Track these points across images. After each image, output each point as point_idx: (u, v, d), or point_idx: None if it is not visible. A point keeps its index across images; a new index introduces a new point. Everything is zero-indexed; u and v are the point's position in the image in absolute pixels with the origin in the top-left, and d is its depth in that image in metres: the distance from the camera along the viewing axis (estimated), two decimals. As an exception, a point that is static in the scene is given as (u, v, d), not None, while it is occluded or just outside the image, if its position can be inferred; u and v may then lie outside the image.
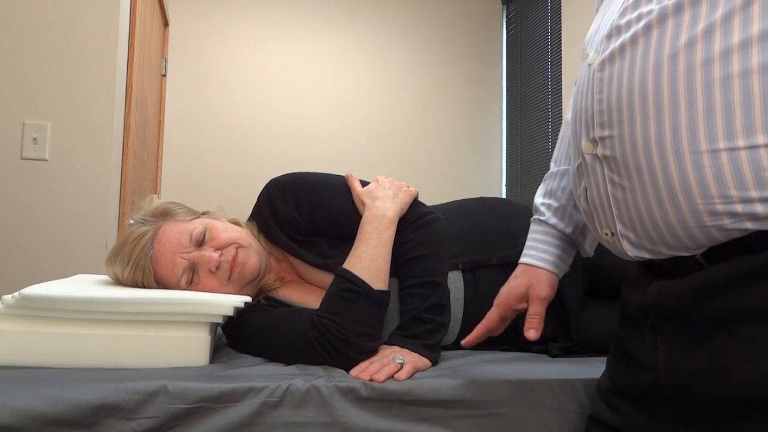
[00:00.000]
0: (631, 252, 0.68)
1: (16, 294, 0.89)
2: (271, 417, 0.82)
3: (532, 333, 0.87)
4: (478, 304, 1.18)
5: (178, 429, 0.79)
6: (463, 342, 0.93)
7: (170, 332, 0.94)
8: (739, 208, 0.56)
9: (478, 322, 1.17)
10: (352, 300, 0.99)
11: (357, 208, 1.13)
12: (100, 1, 1.85)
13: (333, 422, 0.84)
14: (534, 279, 0.90)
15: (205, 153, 3.30)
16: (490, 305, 1.18)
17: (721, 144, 0.56)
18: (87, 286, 1.03)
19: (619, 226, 0.67)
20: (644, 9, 0.63)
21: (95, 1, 1.85)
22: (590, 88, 0.69)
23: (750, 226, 0.56)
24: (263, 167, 3.23)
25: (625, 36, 0.65)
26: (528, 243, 0.94)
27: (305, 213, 1.14)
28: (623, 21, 0.66)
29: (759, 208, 0.56)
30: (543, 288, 0.89)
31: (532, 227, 0.96)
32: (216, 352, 1.08)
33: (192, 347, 0.95)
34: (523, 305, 0.90)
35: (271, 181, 1.18)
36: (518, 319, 1.19)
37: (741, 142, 0.56)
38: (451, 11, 3.74)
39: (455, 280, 1.16)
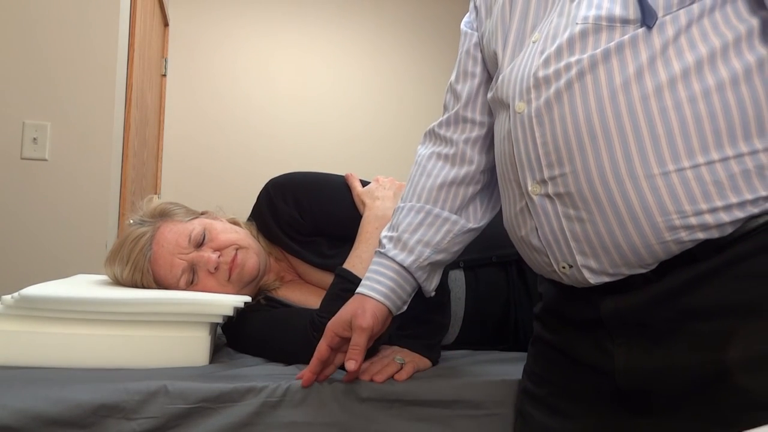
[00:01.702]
0: (592, 279, 0.71)
1: (15, 294, 0.89)
2: (271, 417, 0.82)
3: (350, 364, 0.83)
4: (479, 302, 1.18)
5: (178, 429, 0.79)
6: (302, 382, 0.85)
7: (170, 332, 0.94)
8: (693, 220, 0.64)
9: (479, 321, 1.18)
10: None
11: (357, 208, 1.13)
12: (100, 1, 1.85)
13: (333, 422, 0.84)
14: (359, 308, 0.86)
15: (205, 153, 3.30)
16: (491, 304, 1.19)
17: (670, 166, 0.64)
18: (87, 286, 1.03)
19: (578, 258, 0.71)
20: (571, 59, 0.69)
21: (95, 1, 1.85)
22: (527, 135, 0.73)
23: (701, 236, 0.64)
24: (263, 167, 3.23)
25: (558, 83, 0.70)
26: (366, 274, 0.91)
27: (305, 213, 1.14)
28: (550, 71, 0.71)
29: (709, 219, 0.63)
30: (366, 318, 0.84)
31: (373, 260, 0.93)
32: (216, 352, 1.08)
33: (192, 347, 0.95)
34: (349, 334, 0.86)
35: (271, 180, 1.18)
36: (519, 319, 1.20)
37: (686, 163, 0.64)
38: (451, 11, 3.74)
39: (456, 279, 1.16)
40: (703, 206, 0.63)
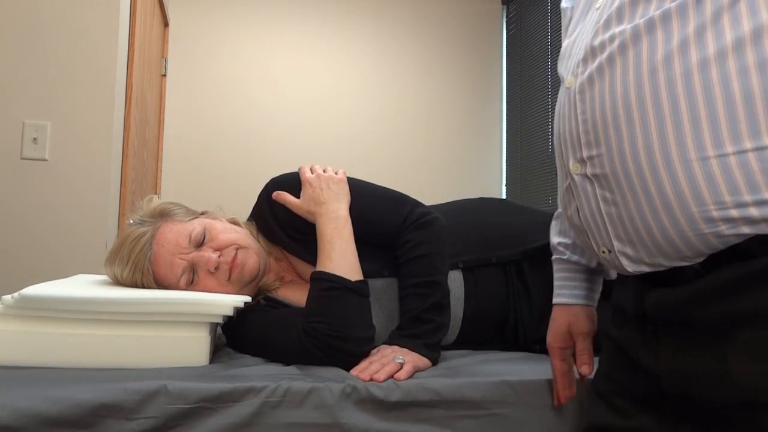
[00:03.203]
0: (630, 267, 0.68)
1: (15, 294, 0.89)
2: (271, 417, 0.82)
3: (585, 369, 0.89)
4: (478, 303, 1.18)
5: (178, 429, 0.79)
6: (562, 400, 0.90)
7: (170, 332, 0.94)
8: (734, 213, 0.57)
9: (479, 321, 1.18)
10: (334, 297, 0.99)
11: (355, 207, 1.12)
12: (100, 1, 1.85)
13: (333, 423, 0.83)
14: (572, 317, 0.91)
15: (205, 153, 3.30)
16: (490, 304, 1.19)
17: (710, 152, 0.57)
18: (87, 286, 1.03)
19: (616, 243, 0.68)
20: (616, 29, 0.64)
21: (95, 1, 1.85)
22: (572, 111, 0.70)
23: (747, 230, 0.57)
24: (263, 167, 3.23)
25: (602, 57, 0.66)
26: (556, 283, 0.95)
27: (305, 213, 1.14)
28: (597, 42, 0.67)
29: (754, 212, 0.56)
30: (583, 323, 0.91)
31: (556, 267, 0.96)
32: (216, 352, 1.08)
33: (192, 347, 0.95)
34: (570, 343, 0.92)
35: (271, 180, 1.18)
36: (519, 319, 1.20)
37: (729, 149, 0.56)
38: (451, 11, 3.74)
39: (455, 280, 1.16)
40: (747, 198, 0.56)
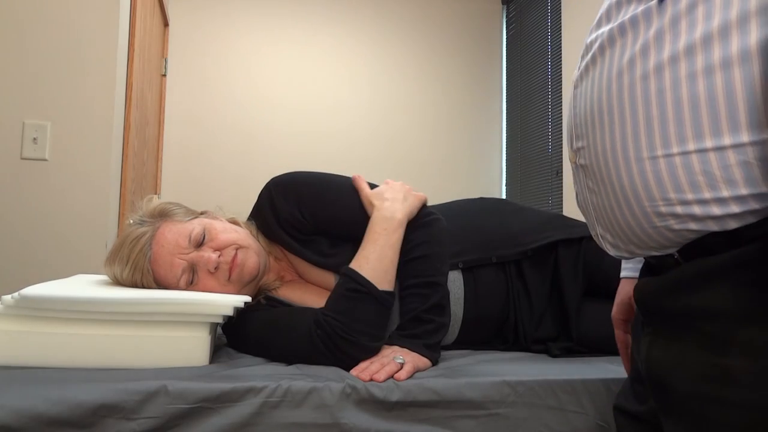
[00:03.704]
0: (611, 252, 0.73)
1: (15, 294, 0.89)
2: (271, 417, 0.82)
3: None
4: (478, 303, 1.18)
5: (178, 429, 0.79)
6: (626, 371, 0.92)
7: (170, 332, 0.94)
8: (679, 209, 0.60)
9: (479, 321, 1.18)
10: (357, 300, 0.99)
11: (358, 208, 1.12)
12: (100, 1, 1.85)
13: (333, 423, 0.84)
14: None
15: (205, 153, 3.30)
16: (491, 304, 1.19)
17: (659, 151, 0.61)
18: (87, 286, 1.03)
19: (599, 228, 0.73)
20: (601, 30, 0.68)
21: (95, 1, 1.85)
22: (571, 102, 0.75)
23: (694, 226, 0.60)
24: (263, 167, 3.23)
25: (588, 56, 0.70)
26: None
27: (306, 212, 1.14)
28: (589, 40, 0.71)
29: (696, 210, 0.59)
30: None
31: None
32: (216, 352, 1.08)
33: (192, 347, 0.95)
34: (632, 314, 0.92)
35: (273, 179, 1.17)
36: (519, 319, 1.20)
37: (675, 149, 0.60)
38: (451, 11, 3.74)
39: (455, 280, 1.16)
40: (690, 196, 0.59)
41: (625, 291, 0.95)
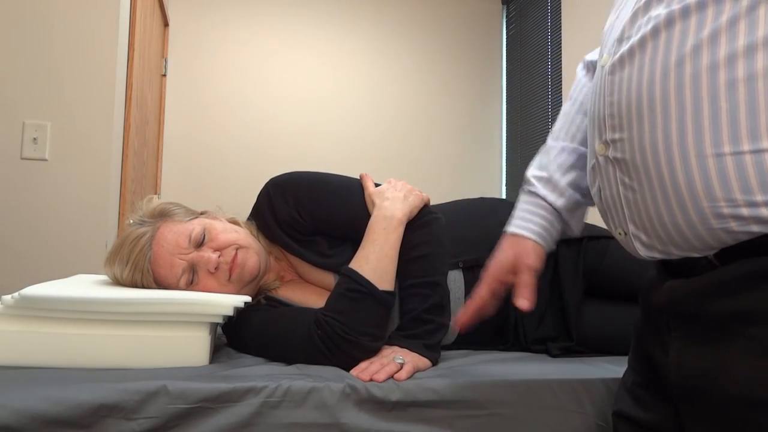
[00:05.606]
0: (642, 252, 0.68)
1: (15, 294, 0.89)
2: (271, 417, 0.82)
3: (524, 303, 0.81)
4: (478, 303, 1.18)
5: (178, 429, 0.79)
6: (457, 325, 0.87)
7: (170, 332, 0.94)
8: (744, 211, 0.57)
9: (479, 321, 1.18)
10: (358, 300, 0.99)
11: (358, 207, 1.12)
12: (100, 1, 1.85)
13: (333, 423, 0.83)
14: (521, 249, 0.85)
15: (205, 153, 3.30)
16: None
17: (726, 148, 0.57)
18: (87, 286, 1.03)
19: (631, 227, 0.68)
20: (653, 12, 0.63)
21: (95, 1, 1.85)
22: (603, 90, 0.69)
23: (756, 229, 0.57)
24: (263, 167, 3.23)
25: (635, 39, 0.65)
26: (515, 213, 0.90)
27: (305, 212, 1.14)
28: (633, 23, 0.66)
29: (764, 212, 0.56)
30: (531, 257, 0.84)
31: (521, 197, 0.90)
32: (216, 352, 1.08)
33: (192, 347, 0.95)
34: (512, 278, 0.85)
35: (271, 180, 1.17)
36: (519, 319, 1.20)
37: (746, 147, 0.56)
38: (451, 11, 3.74)
39: (455, 279, 1.16)
40: (759, 197, 0.56)
41: (510, 249, 0.86)
